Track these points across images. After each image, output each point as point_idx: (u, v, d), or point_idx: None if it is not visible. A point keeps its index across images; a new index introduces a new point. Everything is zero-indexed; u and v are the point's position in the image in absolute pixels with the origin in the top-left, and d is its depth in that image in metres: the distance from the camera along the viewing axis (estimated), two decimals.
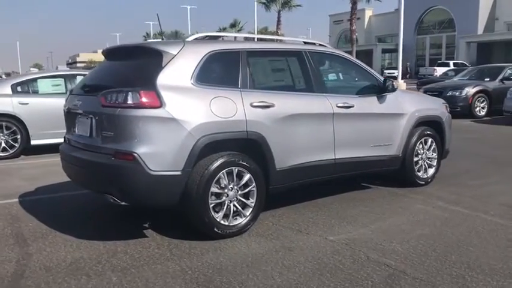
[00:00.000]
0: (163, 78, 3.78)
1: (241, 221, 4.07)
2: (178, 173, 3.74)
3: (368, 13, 61.08)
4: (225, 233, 3.98)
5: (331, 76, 5.30)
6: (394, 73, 31.92)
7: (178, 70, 3.89)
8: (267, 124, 4.17)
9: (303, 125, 4.46)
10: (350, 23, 33.67)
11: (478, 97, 13.56)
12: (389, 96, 5.23)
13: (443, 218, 4.50)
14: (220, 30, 72.85)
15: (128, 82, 3.84)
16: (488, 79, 14.21)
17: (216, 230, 3.94)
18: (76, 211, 5.04)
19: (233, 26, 61.56)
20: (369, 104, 5.05)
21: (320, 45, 5.06)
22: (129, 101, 3.67)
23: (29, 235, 4.24)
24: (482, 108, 13.66)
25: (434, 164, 5.81)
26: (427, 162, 5.73)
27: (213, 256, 3.67)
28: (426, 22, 51.81)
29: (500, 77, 13.87)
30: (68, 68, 56.65)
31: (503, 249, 3.72)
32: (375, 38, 59.42)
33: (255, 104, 4.14)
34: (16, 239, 4.15)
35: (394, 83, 5.18)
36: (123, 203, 3.79)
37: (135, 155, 3.63)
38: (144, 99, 3.66)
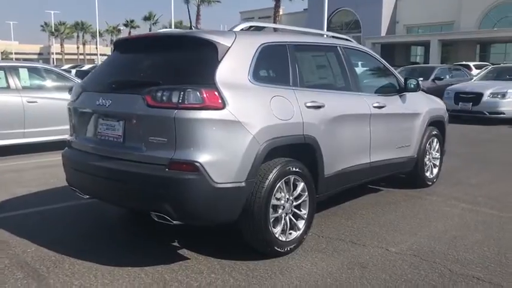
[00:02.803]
0: (221, 74, 3.21)
1: (295, 235, 3.63)
2: (243, 184, 3.21)
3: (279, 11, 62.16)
4: (284, 251, 3.51)
5: (360, 73, 5.01)
6: None
7: (235, 65, 3.34)
8: (319, 127, 3.77)
9: (348, 127, 4.12)
10: (273, 20, 33.81)
11: None
12: (408, 96, 5.08)
13: (481, 221, 4.42)
14: (127, 23, 69.81)
15: (178, 78, 3.21)
16: (421, 79, 14.93)
17: (276, 248, 3.46)
18: (76, 229, 4.23)
19: (147, 18, 59.17)
20: (395, 103, 4.86)
21: (347, 40, 4.76)
22: (189, 101, 3.05)
23: (36, 264, 3.42)
24: None
25: (438, 164, 5.80)
26: (432, 163, 5.69)
27: (285, 279, 3.20)
28: (334, 23, 53.91)
29: (432, 76, 14.65)
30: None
31: None
32: None
33: (308, 105, 3.71)
34: (23, 270, 3.32)
35: (419, 82, 5.03)
36: (174, 222, 3.16)
37: (198, 164, 3.03)
38: (207, 99, 3.07)
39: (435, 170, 5.75)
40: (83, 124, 3.71)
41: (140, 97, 3.18)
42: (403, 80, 5.03)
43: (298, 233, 3.65)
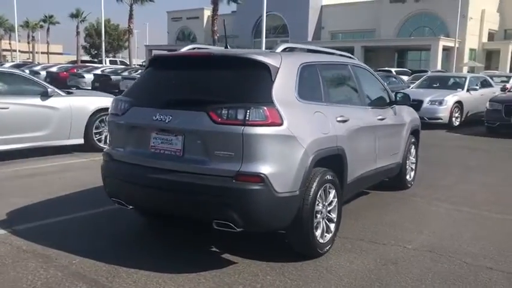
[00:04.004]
0: (276, 93, 3.52)
1: (329, 237, 4.02)
2: (297, 193, 3.54)
3: (207, 13, 62.22)
4: (322, 252, 3.89)
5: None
6: None
7: (285, 84, 3.66)
8: (346, 138, 4.19)
9: (363, 138, 4.59)
10: (212, 23, 33.87)
11: None
12: (396, 108, 5.66)
13: (467, 219, 5.09)
14: (46, 18, 66.20)
15: (238, 97, 3.47)
16: None
17: (318, 250, 3.84)
18: (107, 237, 4.31)
19: (75, 16, 56.39)
20: (389, 115, 5.40)
21: (350, 57, 5.23)
22: (254, 119, 3.33)
23: (92, 274, 3.51)
24: None
25: (414, 167, 6.47)
26: (411, 167, 6.34)
27: (334, 277, 3.57)
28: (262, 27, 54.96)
29: None
30: None
31: None
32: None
33: (338, 119, 4.13)
34: (84, 281, 3.40)
35: (409, 95, 5.63)
36: (238, 229, 3.42)
37: (263, 176, 3.32)
38: (269, 117, 3.37)
39: (412, 173, 6.42)
40: (131, 138, 3.81)
41: (205, 114, 3.40)
42: (392, 93, 5.61)
43: (331, 235, 4.04)
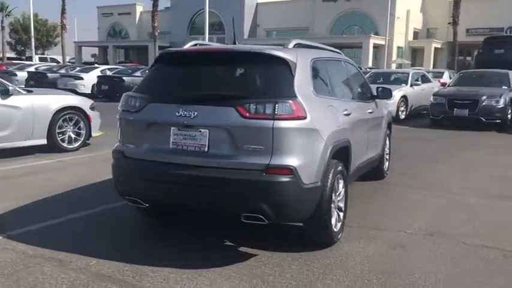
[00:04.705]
0: (298, 88, 3.62)
1: (339, 225, 4.18)
2: (319, 184, 3.67)
3: (139, 8, 60.79)
4: (336, 240, 4.06)
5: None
6: None
7: (303, 79, 3.77)
8: (350, 131, 4.37)
9: (360, 131, 4.80)
10: (152, 19, 32.99)
11: None
12: (377, 101, 5.95)
13: (447, 204, 5.45)
14: None
15: (263, 91, 3.55)
16: None
17: (334, 239, 4.00)
18: (115, 237, 4.20)
19: None
20: (374, 108, 5.67)
21: (339, 53, 5.42)
22: (282, 113, 3.40)
23: (118, 275, 3.42)
24: None
25: (388, 158, 6.82)
26: (386, 158, 6.69)
27: (354, 263, 3.74)
28: (198, 23, 54.61)
29: None
30: None
31: None
32: (147, 35, 59.53)
33: (344, 113, 4.30)
34: (113, 282, 3.31)
35: (391, 90, 5.94)
36: (267, 222, 3.48)
37: (293, 168, 3.42)
38: (296, 110, 3.46)
39: (387, 164, 6.77)
40: (148, 134, 3.74)
41: (233, 109, 3.42)
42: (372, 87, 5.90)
43: (340, 223, 4.21)
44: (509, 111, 12.46)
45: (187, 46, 4.33)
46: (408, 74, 15.65)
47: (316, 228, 3.88)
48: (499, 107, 12.15)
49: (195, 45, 4.46)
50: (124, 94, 3.99)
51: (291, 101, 3.47)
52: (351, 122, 4.45)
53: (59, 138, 8.03)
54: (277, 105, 3.40)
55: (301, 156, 3.50)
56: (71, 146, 8.21)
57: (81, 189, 5.72)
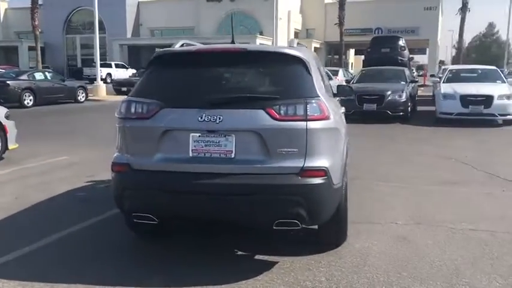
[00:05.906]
0: (317, 88, 3.52)
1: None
2: (340, 184, 3.61)
3: (3, 5, 55.10)
4: (346, 238, 4.05)
5: None
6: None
7: (317, 78, 3.67)
8: (347, 129, 4.39)
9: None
10: (32, 17, 29.83)
11: None
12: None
13: (420, 193, 5.73)
14: None
15: (288, 92, 3.40)
16: None
17: (346, 236, 3.99)
18: (115, 255, 3.72)
19: None
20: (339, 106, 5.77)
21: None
22: (313, 113, 3.28)
23: None
24: None
25: None
26: None
27: (372, 259, 3.77)
28: (75, 22, 51.31)
29: None
30: None
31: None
32: (14, 34, 54.23)
33: (335, 110, 4.29)
34: None
35: (352, 88, 6.07)
36: (301, 226, 3.33)
37: (326, 169, 3.32)
38: (323, 110, 3.36)
39: None
40: (162, 143, 3.34)
41: (262, 111, 3.21)
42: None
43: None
44: (410, 104, 13.61)
45: (177, 46, 3.99)
46: None
47: (336, 227, 3.83)
48: (402, 100, 13.22)
49: (183, 45, 4.12)
50: (124, 99, 3.53)
51: (318, 101, 3.36)
52: (342, 120, 4.47)
53: None
54: (308, 106, 3.28)
55: (330, 157, 3.41)
56: None
57: (35, 207, 5.00)
